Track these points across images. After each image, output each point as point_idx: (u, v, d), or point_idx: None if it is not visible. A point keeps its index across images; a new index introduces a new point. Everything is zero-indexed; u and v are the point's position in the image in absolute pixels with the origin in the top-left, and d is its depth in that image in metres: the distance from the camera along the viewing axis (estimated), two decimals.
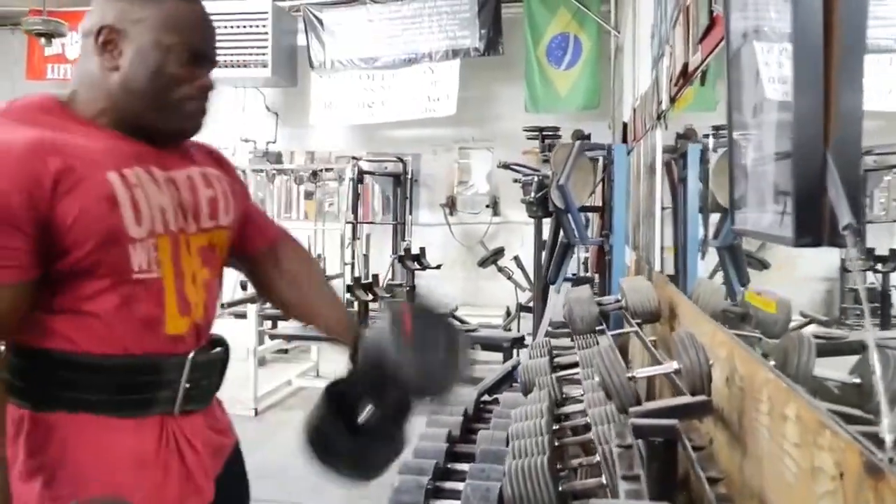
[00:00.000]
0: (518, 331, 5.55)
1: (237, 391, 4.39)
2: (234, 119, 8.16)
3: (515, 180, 5.21)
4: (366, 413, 1.21)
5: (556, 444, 2.30)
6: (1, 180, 0.91)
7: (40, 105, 1.04)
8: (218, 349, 1.20)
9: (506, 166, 5.15)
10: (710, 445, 2.25)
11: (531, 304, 5.01)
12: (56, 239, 0.96)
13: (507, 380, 3.71)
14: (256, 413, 4.35)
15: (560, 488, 1.73)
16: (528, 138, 5.55)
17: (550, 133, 5.18)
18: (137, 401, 1.05)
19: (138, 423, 1.05)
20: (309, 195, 8.23)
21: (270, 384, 4.74)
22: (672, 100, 3.39)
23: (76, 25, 7.60)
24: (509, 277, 6.14)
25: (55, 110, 1.04)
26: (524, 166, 4.89)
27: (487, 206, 7.73)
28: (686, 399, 1.94)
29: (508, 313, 6.25)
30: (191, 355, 1.10)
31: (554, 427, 2.42)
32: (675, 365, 1.96)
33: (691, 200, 3.24)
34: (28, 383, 1.01)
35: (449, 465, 2.54)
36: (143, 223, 1.03)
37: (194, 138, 1.21)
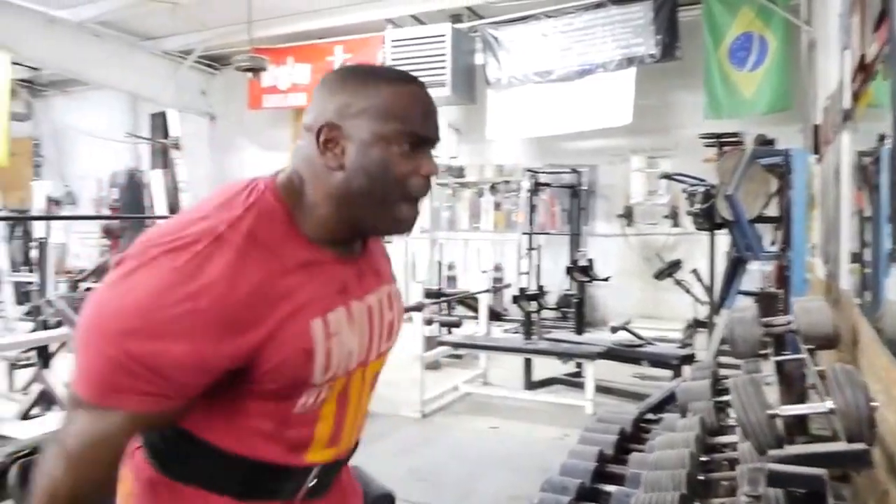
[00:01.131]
0: (693, 347, 5.28)
1: (406, 393, 4.60)
2: None
3: (683, 190, 4.99)
4: None
5: (702, 477, 2.16)
6: (210, 326, 0.86)
7: (269, 215, 0.95)
8: (348, 458, 1.17)
9: (668, 177, 4.93)
10: (883, 498, 1.99)
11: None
12: (243, 374, 0.92)
13: (671, 399, 3.55)
14: (423, 416, 4.53)
15: None
16: (706, 145, 5.29)
17: (729, 139, 4.89)
18: (261, 492, 1.04)
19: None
20: (498, 206, 8.45)
21: (438, 388, 4.91)
22: (855, 96, 3.07)
23: (282, 60, 8.43)
24: (687, 291, 5.87)
25: (281, 223, 0.96)
26: (689, 176, 4.66)
27: (666, 217, 7.44)
28: (838, 446, 1.71)
29: (689, 327, 5.97)
30: (318, 468, 1.08)
31: (703, 458, 2.28)
32: (828, 404, 1.75)
33: (882, 209, 2.92)
34: (169, 455, 1.02)
35: (596, 486, 2.47)
36: (329, 372, 0.99)
37: None
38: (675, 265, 5.90)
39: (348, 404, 1.07)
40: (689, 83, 6.93)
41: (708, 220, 4.11)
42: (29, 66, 9.44)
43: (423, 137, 0.99)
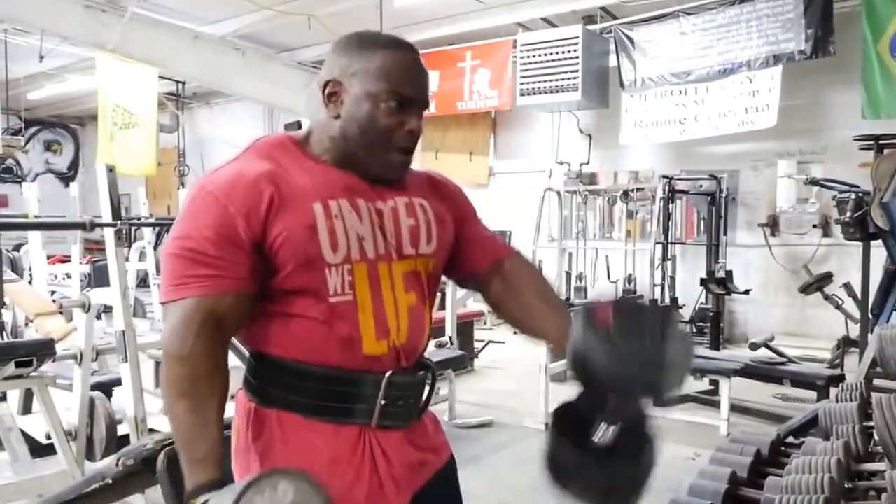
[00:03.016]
0: (842, 368, 4.83)
1: (530, 404, 4.52)
2: (550, 142, 8.47)
3: (833, 197, 4.58)
4: (599, 432, 1.06)
5: None
6: (230, 205, 1.09)
7: (279, 143, 1.22)
8: (421, 373, 1.25)
9: (815, 182, 4.53)
10: None
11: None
12: (268, 258, 1.11)
13: (815, 423, 3.26)
14: (547, 427, 4.42)
15: None
16: (862, 148, 4.84)
17: (889, 141, 4.44)
18: (335, 408, 1.16)
19: (337, 428, 1.16)
20: (631, 214, 8.16)
21: (563, 400, 4.78)
22: None
23: None
24: (837, 307, 5.40)
25: (289, 147, 1.20)
26: (839, 182, 4.26)
27: (815, 226, 6.88)
28: None
29: (839, 346, 5.48)
30: (387, 374, 1.17)
31: (847, 485, 2.09)
32: None
33: None
34: (256, 381, 1.19)
35: None
36: (339, 250, 1.13)
37: (416, 168, 1.32)
38: (824, 279, 5.44)
39: (382, 294, 1.18)
40: (844, 80, 6.38)
41: (860, 230, 3.73)
42: (174, 80, 10.09)
43: (407, 97, 1.17)
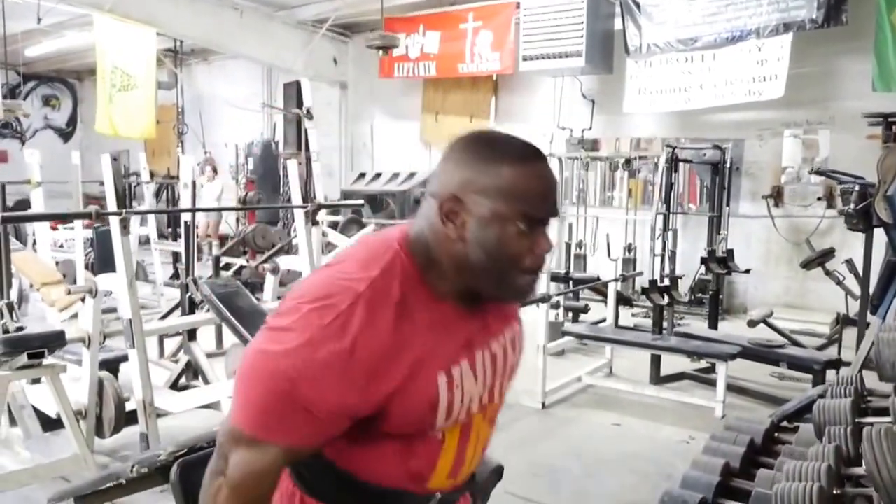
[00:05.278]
0: (839, 347, 4.82)
1: (528, 383, 4.52)
2: (553, 107, 8.35)
3: (838, 185, 4.51)
4: None
5: None
6: (342, 382, 0.96)
7: (401, 268, 1.04)
8: (467, 489, 1.22)
9: (822, 173, 4.46)
10: None
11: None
12: (371, 419, 1.02)
13: (808, 409, 3.29)
14: (544, 406, 4.44)
15: None
16: (870, 125, 4.75)
17: None
18: None
19: None
20: (633, 174, 8.06)
21: (561, 378, 4.80)
22: None
23: (413, 28, 8.46)
24: (839, 283, 5.37)
25: (410, 274, 1.04)
26: (846, 174, 4.19)
27: (820, 199, 6.81)
28: None
29: (837, 322, 5.46)
30: (438, 495, 1.14)
31: (836, 492, 2.11)
32: None
33: None
34: (307, 474, 1.13)
35: (719, 501, 2.33)
36: (450, 419, 1.06)
37: None
38: (826, 254, 5.39)
39: (469, 441, 1.14)
40: (855, 49, 6.23)
41: (863, 221, 3.68)
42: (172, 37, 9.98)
43: (540, 219, 1.04)
